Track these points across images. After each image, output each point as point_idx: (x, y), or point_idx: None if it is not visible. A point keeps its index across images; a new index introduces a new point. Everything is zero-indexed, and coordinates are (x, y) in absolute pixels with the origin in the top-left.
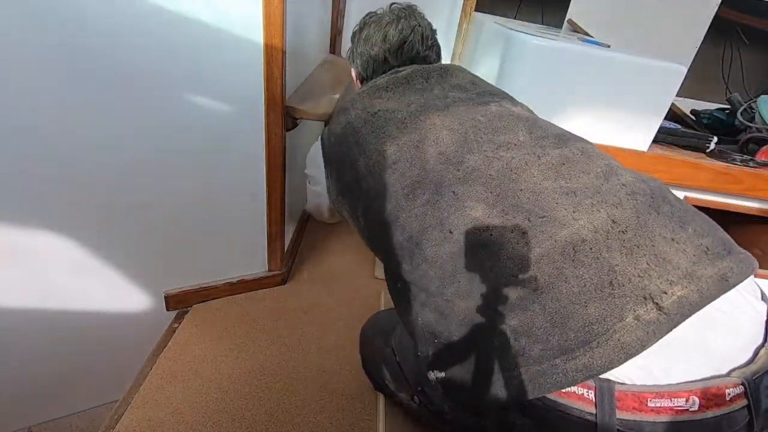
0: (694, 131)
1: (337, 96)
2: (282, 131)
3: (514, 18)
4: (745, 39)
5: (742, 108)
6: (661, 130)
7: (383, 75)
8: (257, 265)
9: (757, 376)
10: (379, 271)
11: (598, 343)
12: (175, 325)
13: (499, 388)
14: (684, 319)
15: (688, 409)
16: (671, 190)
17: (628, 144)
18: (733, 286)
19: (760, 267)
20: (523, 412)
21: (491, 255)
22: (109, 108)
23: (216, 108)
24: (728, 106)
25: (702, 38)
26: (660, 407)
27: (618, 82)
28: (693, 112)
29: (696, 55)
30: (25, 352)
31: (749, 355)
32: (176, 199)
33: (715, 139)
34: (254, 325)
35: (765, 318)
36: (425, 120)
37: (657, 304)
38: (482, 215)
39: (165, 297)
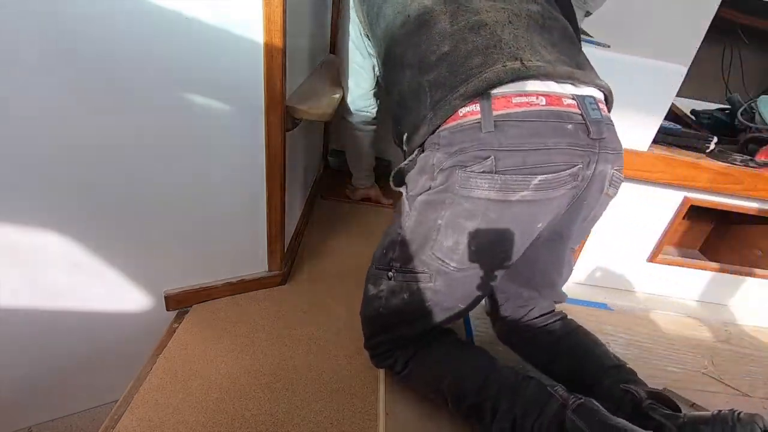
0: (694, 131)
1: (337, 96)
2: (282, 131)
3: None
4: (745, 39)
5: (742, 108)
6: (661, 130)
7: None
8: (257, 265)
9: (582, 96)
10: None
11: (472, 80)
12: (175, 325)
13: (424, 125)
14: (536, 75)
15: (538, 104)
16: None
17: (628, 144)
18: (577, 85)
19: (761, 267)
20: (439, 143)
21: (427, 30)
22: (108, 107)
23: (216, 108)
24: (728, 106)
25: (702, 38)
26: (520, 102)
27: (618, 82)
28: (693, 112)
29: (696, 55)
30: (25, 352)
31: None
32: (176, 199)
33: (715, 139)
34: (254, 325)
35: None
36: None
37: (522, 62)
38: (430, 3)
39: (165, 297)
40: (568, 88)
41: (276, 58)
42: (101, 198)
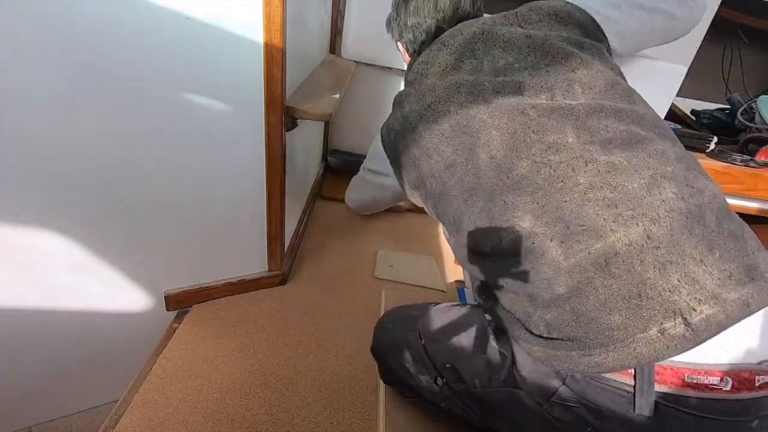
0: (694, 131)
1: (337, 96)
2: (282, 131)
3: None
4: (745, 39)
5: (742, 108)
6: None
7: (432, 47)
8: (257, 265)
9: None
10: (380, 271)
11: (615, 347)
12: (175, 325)
13: (533, 354)
14: (709, 338)
15: (721, 388)
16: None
17: None
18: (755, 311)
19: None
20: (563, 381)
21: (532, 260)
22: (108, 107)
23: (216, 108)
24: (728, 106)
25: (702, 38)
26: (696, 383)
27: None
28: (693, 112)
29: (696, 55)
30: (24, 352)
31: None
32: (176, 199)
33: (715, 139)
34: (254, 325)
35: None
36: (475, 116)
37: (685, 319)
38: (529, 225)
39: (165, 297)
40: (755, 351)
41: (276, 58)
42: (101, 198)
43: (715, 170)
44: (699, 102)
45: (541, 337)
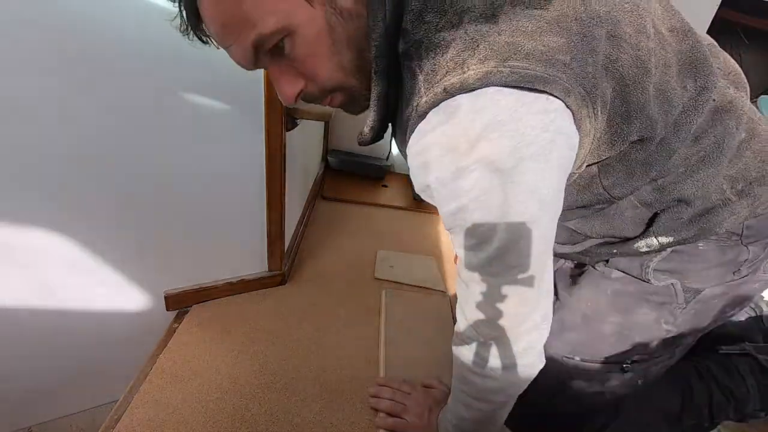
0: None
1: None
2: (282, 131)
3: None
4: (745, 39)
5: None
6: None
7: None
8: (257, 265)
9: None
10: (380, 271)
11: None
12: (175, 325)
13: (724, 213)
14: None
15: None
16: None
17: None
18: None
19: None
20: (741, 235)
21: (728, 112)
22: (108, 107)
23: (216, 108)
24: None
25: None
26: None
27: None
28: None
29: None
30: (24, 351)
31: None
32: (176, 199)
33: None
34: (254, 325)
35: None
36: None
37: None
38: (722, 86)
39: (165, 297)
40: None
41: None
42: (101, 198)
43: None
44: None
45: (729, 200)
